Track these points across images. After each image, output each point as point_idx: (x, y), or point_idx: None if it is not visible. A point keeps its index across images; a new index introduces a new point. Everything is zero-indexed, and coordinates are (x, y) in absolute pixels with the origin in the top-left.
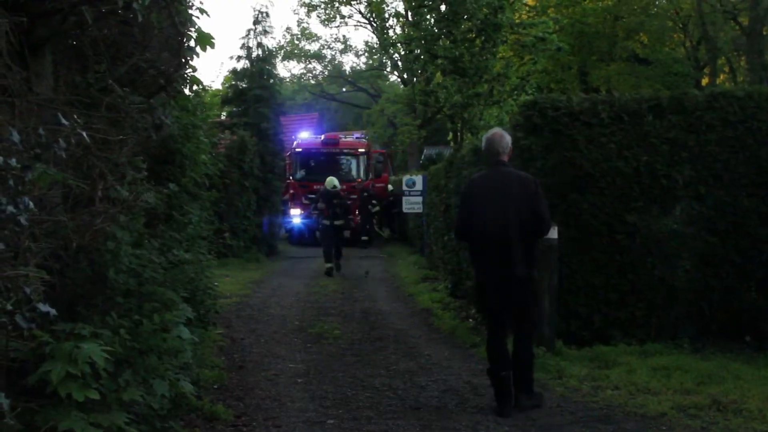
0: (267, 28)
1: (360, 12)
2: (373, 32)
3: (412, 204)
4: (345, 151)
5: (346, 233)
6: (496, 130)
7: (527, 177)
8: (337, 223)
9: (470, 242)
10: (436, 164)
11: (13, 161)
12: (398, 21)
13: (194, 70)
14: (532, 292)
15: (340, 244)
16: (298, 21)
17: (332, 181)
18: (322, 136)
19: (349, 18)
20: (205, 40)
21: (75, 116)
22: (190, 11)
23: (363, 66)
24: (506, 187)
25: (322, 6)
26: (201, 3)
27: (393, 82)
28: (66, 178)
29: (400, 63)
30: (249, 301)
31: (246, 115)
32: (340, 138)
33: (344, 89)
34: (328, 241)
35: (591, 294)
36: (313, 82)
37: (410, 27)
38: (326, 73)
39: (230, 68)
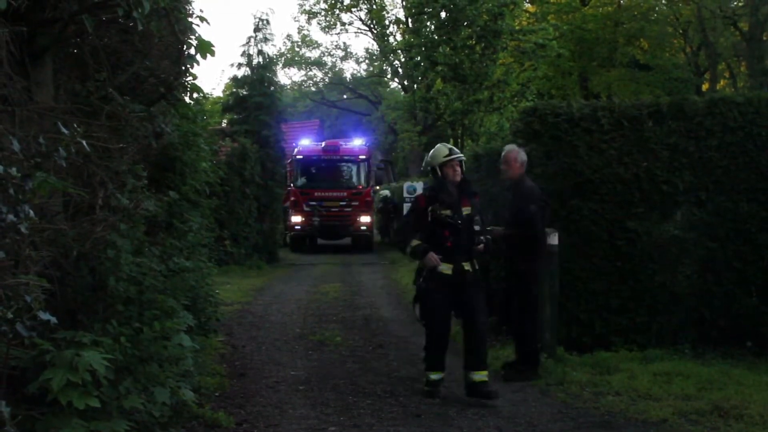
0: (267, 36)
1: (360, 19)
2: (374, 39)
3: None
4: (345, 158)
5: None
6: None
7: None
8: (467, 268)
9: None
10: None
11: (14, 170)
12: (398, 28)
13: (194, 77)
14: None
15: (484, 327)
16: (298, 28)
17: (444, 149)
18: (323, 143)
19: (349, 25)
20: (206, 48)
21: (75, 125)
22: (190, 19)
23: (363, 73)
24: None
25: (323, 13)
26: (201, 11)
27: (393, 88)
28: (66, 187)
29: (400, 70)
30: (250, 308)
31: (247, 123)
32: (341, 145)
33: (345, 96)
34: (445, 318)
35: (592, 300)
36: (313, 89)
37: (410, 34)
38: (327, 80)
39: (231, 76)
